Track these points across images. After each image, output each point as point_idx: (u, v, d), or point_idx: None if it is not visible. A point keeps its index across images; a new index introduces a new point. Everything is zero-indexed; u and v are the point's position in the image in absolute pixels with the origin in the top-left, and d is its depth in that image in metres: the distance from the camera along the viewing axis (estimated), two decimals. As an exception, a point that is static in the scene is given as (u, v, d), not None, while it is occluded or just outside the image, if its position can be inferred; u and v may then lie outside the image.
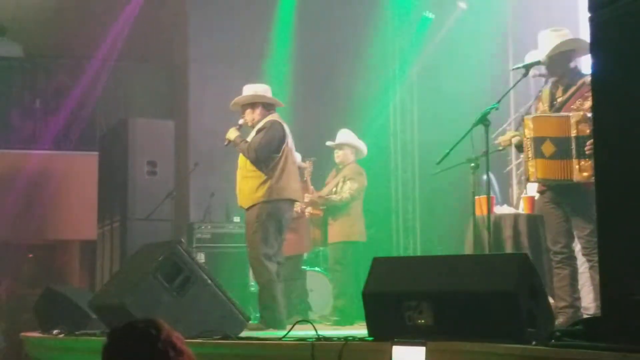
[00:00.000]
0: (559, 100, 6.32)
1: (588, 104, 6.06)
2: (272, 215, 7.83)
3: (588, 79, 6.19)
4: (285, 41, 12.42)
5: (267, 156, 7.89)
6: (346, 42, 12.54)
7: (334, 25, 12.40)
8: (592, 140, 5.73)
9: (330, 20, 12.36)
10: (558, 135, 6.04)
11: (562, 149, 6.01)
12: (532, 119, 6.24)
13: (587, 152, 5.87)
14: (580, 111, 6.03)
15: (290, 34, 12.39)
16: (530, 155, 6.22)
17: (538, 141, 6.15)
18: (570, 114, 6.04)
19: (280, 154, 7.92)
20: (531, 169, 6.24)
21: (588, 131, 5.87)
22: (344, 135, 9.53)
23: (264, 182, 7.87)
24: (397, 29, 13.11)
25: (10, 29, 13.40)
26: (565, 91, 6.32)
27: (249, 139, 8.01)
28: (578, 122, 5.97)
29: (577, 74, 6.35)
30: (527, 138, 6.22)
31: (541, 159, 6.14)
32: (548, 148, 6.10)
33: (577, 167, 5.93)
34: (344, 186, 9.27)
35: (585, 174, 5.88)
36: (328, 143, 9.58)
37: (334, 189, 9.33)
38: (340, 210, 9.25)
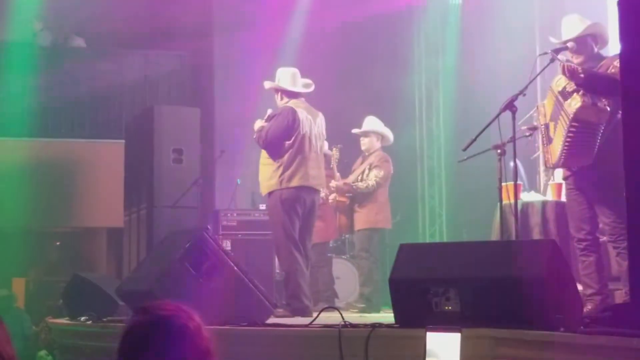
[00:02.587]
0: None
1: None
2: (286, 202, 7.83)
3: (606, 60, 6.18)
4: (310, 27, 12.39)
5: (276, 143, 7.88)
6: (372, 30, 12.50)
7: (360, 12, 12.35)
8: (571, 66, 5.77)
9: (356, 6, 12.31)
10: (552, 109, 6.02)
11: (555, 115, 5.98)
12: (543, 103, 6.26)
13: (567, 74, 5.87)
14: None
15: (315, 20, 12.36)
16: (545, 142, 6.22)
17: (547, 126, 6.15)
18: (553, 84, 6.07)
19: (292, 140, 7.90)
20: (547, 156, 6.24)
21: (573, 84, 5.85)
22: (370, 123, 9.52)
23: (277, 169, 7.88)
24: (423, 15, 13.07)
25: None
26: None
27: None
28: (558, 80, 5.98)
29: (599, 57, 6.33)
30: (542, 125, 6.23)
31: (551, 144, 6.13)
32: (552, 127, 6.09)
33: (567, 108, 5.88)
34: (370, 173, 9.26)
35: (575, 104, 5.84)
36: (354, 130, 9.57)
37: (360, 176, 9.32)
38: (366, 198, 9.25)
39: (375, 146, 9.48)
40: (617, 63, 5.32)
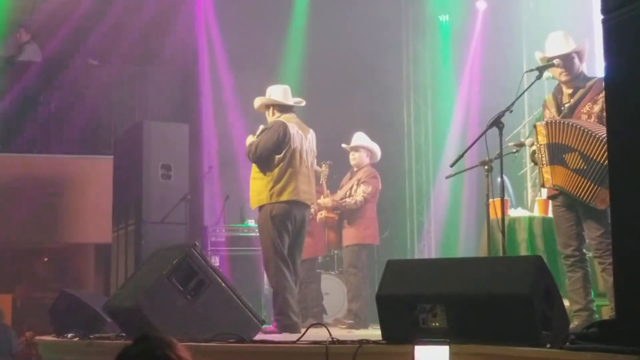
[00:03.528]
0: (568, 105, 6.30)
1: (598, 107, 6.06)
2: (277, 216, 7.83)
3: (596, 81, 6.19)
4: (299, 45, 12.43)
5: (266, 156, 7.89)
6: (360, 46, 12.54)
7: (348, 28, 12.40)
8: None
9: (344, 24, 12.36)
10: (594, 156, 5.90)
11: (595, 173, 5.89)
12: (545, 125, 6.20)
13: None
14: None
15: (304, 38, 12.41)
16: (545, 162, 6.18)
17: (555, 147, 6.10)
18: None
19: (282, 154, 7.91)
20: (546, 175, 6.21)
21: None
22: (360, 138, 9.54)
23: (267, 183, 7.88)
24: (411, 31, 13.13)
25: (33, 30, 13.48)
26: (572, 95, 6.30)
27: None
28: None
29: (584, 77, 6.36)
30: (541, 144, 6.20)
31: (561, 167, 6.08)
32: (575, 160, 6.01)
33: (604, 196, 5.85)
34: (358, 189, 9.27)
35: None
36: (344, 145, 9.59)
37: (348, 192, 9.33)
38: (354, 214, 9.25)
39: (365, 162, 9.49)
40: None
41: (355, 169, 9.53)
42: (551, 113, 6.40)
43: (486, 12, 11.52)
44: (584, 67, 6.42)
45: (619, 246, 3.60)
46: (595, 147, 5.88)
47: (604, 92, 5.76)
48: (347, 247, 9.35)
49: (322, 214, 9.41)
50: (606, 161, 5.75)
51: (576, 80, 6.33)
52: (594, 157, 5.89)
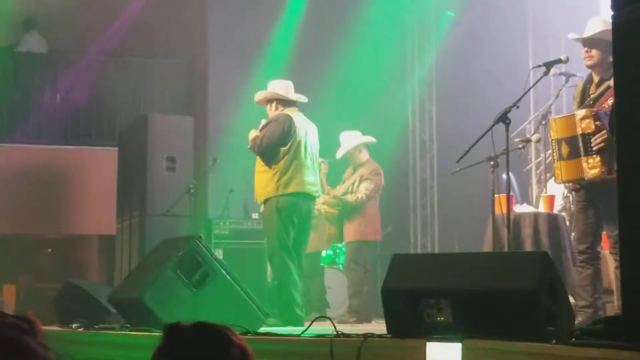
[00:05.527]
0: (592, 96, 6.24)
1: None
2: (282, 209, 7.82)
3: None
4: (305, 39, 12.42)
5: (271, 149, 7.88)
6: (365, 41, 12.54)
7: (353, 23, 12.40)
8: (597, 136, 5.74)
9: (349, 18, 12.36)
10: (568, 135, 6.00)
11: (573, 149, 5.97)
12: (555, 120, 6.21)
13: (594, 149, 5.83)
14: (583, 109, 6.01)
15: (310, 32, 12.39)
16: (555, 157, 6.20)
17: (559, 143, 6.13)
18: (577, 112, 6.01)
19: (287, 147, 7.90)
20: (556, 171, 6.23)
21: (593, 127, 5.83)
22: (346, 142, 9.43)
23: (273, 176, 7.88)
24: (416, 27, 13.12)
25: (38, 23, 13.48)
26: (598, 86, 6.23)
27: None
28: (582, 119, 5.93)
29: (610, 67, 6.25)
30: (553, 140, 6.21)
31: (563, 161, 6.12)
32: (565, 149, 6.07)
33: (585, 165, 5.89)
34: (360, 186, 9.25)
35: (594, 171, 5.84)
36: (338, 156, 9.51)
37: (350, 188, 9.30)
38: (355, 210, 9.24)
39: (362, 158, 9.45)
40: None
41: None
42: (576, 103, 6.38)
43: (492, 8, 11.49)
44: None
45: (626, 242, 3.59)
46: (566, 126, 5.95)
47: None
48: (348, 243, 9.36)
49: (323, 208, 9.40)
50: (575, 132, 5.87)
51: (601, 68, 6.21)
52: (568, 135, 5.95)
